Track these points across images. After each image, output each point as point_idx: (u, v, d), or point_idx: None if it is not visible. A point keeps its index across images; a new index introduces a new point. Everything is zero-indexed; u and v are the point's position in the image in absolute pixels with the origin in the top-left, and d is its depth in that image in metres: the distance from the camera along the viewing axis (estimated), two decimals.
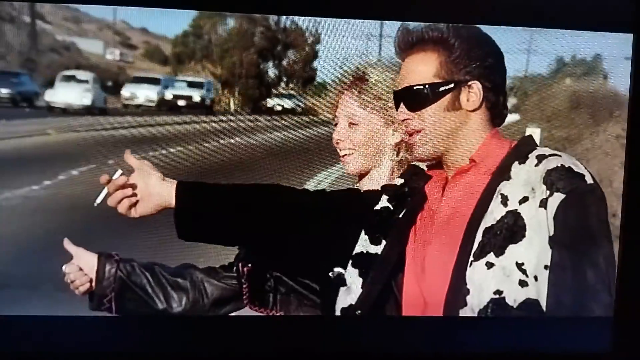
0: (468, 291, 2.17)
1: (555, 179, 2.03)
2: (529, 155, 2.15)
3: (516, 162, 2.14)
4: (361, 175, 3.05)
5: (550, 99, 5.64)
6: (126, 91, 5.97)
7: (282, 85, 5.65)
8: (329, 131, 3.52)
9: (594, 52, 3.74)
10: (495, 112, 2.32)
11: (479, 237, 2.10)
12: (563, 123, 3.54)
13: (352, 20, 3.38)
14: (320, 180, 4.77)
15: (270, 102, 6.08)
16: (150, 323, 2.39)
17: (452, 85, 2.26)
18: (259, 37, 5.18)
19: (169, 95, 6.06)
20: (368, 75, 2.84)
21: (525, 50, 5.62)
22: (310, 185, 5.09)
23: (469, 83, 2.23)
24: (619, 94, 3.87)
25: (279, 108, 5.95)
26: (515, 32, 3.30)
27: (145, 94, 5.96)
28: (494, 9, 2.99)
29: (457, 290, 2.18)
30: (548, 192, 2.02)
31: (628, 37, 3.29)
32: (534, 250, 2.05)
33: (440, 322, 2.18)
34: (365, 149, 2.75)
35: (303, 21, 5.56)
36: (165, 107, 5.98)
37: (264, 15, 5.51)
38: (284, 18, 5.24)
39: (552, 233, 2.02)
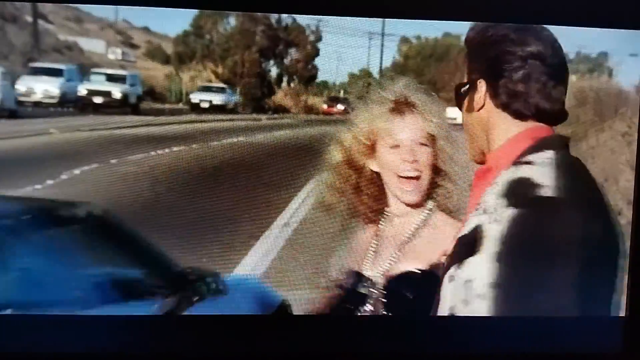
0: (437, 303, 2.09)
1: (510, 192, 1.89)
2: (522, 160, 2.01)
3: (504, 168, 2.00)
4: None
5: None
6: (22, 85, 5.31)
7: (284, 83, 5.62)
8: (330, 130, 3.49)
9: (599, 48, 3.70)
10: (514, 110, 2.14)
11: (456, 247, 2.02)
12: (568, 120, 3.43)
13: (354, 18, 3.36)
14: (322, 179, 4.75)
15: (195, 97, 5.94)
16: (150, 323, 2.38)
17: (467, 87, 2.18)
18: (260, 36, 5.16)
19: (82, 90, 5.51)
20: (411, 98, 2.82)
21: None
22: (312, 183, 5.07)
23: (477, 82, 2.13)
24: (624, 91, 3.84)
25: (205, 105, 5.80)
26: None
27: (43, 88, 5.35)
28: (497, 5, 2.96)
29: (435, 301, 2.11)
30: (503, 206, 1.89)
31: (633, 34, 3.26)
32: (483, 267, 1.92)
33: (448, 321, 2.15)
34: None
35: (304, 19, 5.54)
36: (75, 105, 5.35)
37: (265, 14, 5.49)
38: (285, 16, 5.22)
39: (498, 249, 1.88)
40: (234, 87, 5.65)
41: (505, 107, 2.14)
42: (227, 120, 5.67)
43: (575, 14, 3.11)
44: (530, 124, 2.13)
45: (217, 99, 5.83)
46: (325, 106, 7.17)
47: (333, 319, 2.74)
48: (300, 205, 4.34)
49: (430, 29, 3.60)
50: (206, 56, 5.41)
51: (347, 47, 4.14)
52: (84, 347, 2.32)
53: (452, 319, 2.00)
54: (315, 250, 3.67)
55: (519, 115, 2.13)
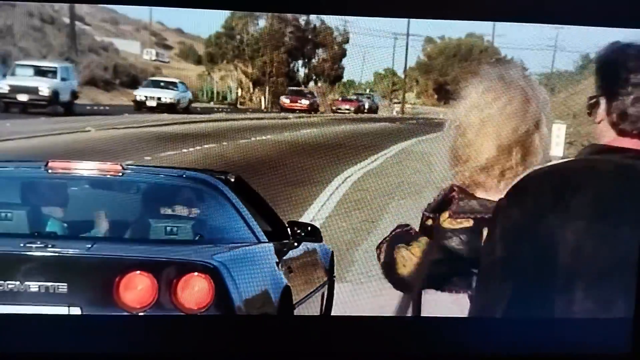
0: None
1: None
2: None
3: None
4: None
5: (577, 95, 5.63)
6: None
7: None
8: (355, 128, 3.62)
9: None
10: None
11: None
12: (589, 119, 3.53)
13: (381, 18, 3.47)
14: (348, 176, 4.89)
15: (140, 94, 5.81)
16: (149, 323, 2.50)
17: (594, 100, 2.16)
18: (289, 37, 5.30)
19: (4, 86, 4.99)
20: None
21: (552, 47, 5.63)
22: (338, 181, 5.21)
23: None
24: None
25: (152, 103, 5.74)
26: (541, 28, 3.35)
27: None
28: (520, 6, 3.04)
29: None
30: None
31: None
32: None
33: (458, 322, 2.24)
34: None
35: (332, 20, 5.68)
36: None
37: (294, 15, 5.63)
38: (313, 17, 5.36)
39: None
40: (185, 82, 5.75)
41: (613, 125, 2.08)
42: (256, 119, 5.82)
43: (596, 13, 3.16)
44: None
45: (167, 95, 5.79)
46: (287, 101, 6.68)
47: (333, 320, 2.87)
48: (326, 202, 4.48)
49: (454, 29, 3.69)
50: (237, 56, 5.57)
51: (373, 48, 4.27)
52: (84, 347, 2.44)
53: (459, 320, 2.10)
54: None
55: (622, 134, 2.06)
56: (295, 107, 6.55)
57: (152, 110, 5.75)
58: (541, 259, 1.61)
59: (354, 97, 6.92)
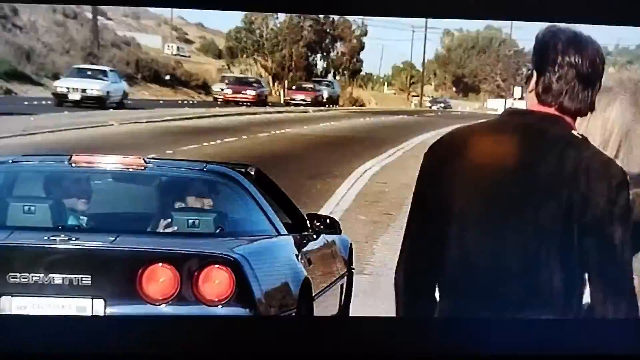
0: None
1: None
2: None
3: None
4: None
5: None
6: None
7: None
8: (375, 122, 3.65)
9: (638, 41, 3.75)
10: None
11: None
12: (600, 108, 3.55)
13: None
14: (365, 171, 4.90)
15: (61, 85, 5.39)
16: (148, 322, 2.53)
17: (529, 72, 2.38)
18: (307, 31, 5.33)
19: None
20: None
21: None
22: (357, 174, 5.23)
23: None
24: None
25: (75, 96, 5.31)
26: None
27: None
28: (536, 4, 3.05)
29: None
30: None
31: None
32: None
33: (472, 323, 2.25)
34: None
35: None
36: None
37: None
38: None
39: None
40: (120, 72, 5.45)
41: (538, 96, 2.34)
42: (276, 112, 5.81)
43: (614, 10, 3.15)
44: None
45: (94, 87, 5.31)
46: (228, 92, 5.71)
47: (333, 319, 2.91)
48: (345, 194, 4.50)
49: (472, 22, 3.71)
50: (256, 50, 5.60)
51: (391, 40, 4.29)
52: (84, 346, 2.47)
53: (471, 320, 2.12)
54: None
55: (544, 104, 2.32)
56: (239, 99, 5.71)
57: (77, 104, 5.24)
58: (445, 201, 1.74)
59: (311, 85, 5.99)
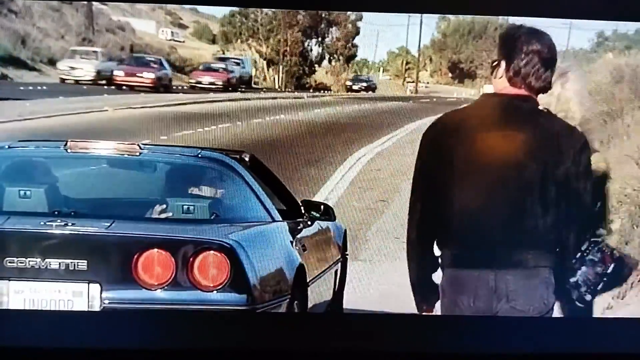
0: None
1: None
2: None
3: None
4: None
5: (592, 74, 5.59)
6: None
7: (324, 62, 5.72)
8: (368, 108, 3.65)
9: (636, 26, 3.74)
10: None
11: None
12: (604, 97, 3.65)
13: None
14: (360, 157, 4.92)
15: (62, 65, 5.18)
16: (147, 320, 2.54)
17: (496, 62, 2.52)
18: (302, 15, 5.31)
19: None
20: None
21: (567, 25, 5.59)
22: (351, 161, 5.24)
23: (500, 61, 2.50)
24: None
25: (83, 73, 4.95)
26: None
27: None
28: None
29: None
30: None
31: None
32: None
33: (482, 321, 2.29)
34: None
35: None
36: None
37: None
38: None
39: None
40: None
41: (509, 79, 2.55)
42: (271, 98, 5.81)
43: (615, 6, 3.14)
44: None
45: (88, 67, 5.14)
46: (120, 74, 4.98)
47: (333, 319, 2.94)
48: (339, 181, 4.52)
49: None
50: (251, 35, 5.59)
51: (387, 25, 4.28)
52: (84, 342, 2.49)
53: (489, 318, 2.18)
54: None
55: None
56: (132, 83, 4.97)
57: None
58: (445, 167, 2.19)
59: (222, 65, 5.25)
